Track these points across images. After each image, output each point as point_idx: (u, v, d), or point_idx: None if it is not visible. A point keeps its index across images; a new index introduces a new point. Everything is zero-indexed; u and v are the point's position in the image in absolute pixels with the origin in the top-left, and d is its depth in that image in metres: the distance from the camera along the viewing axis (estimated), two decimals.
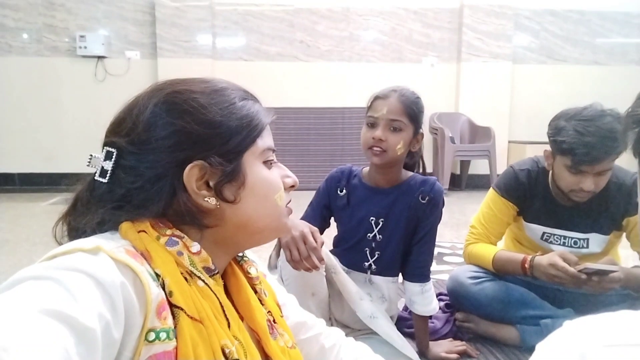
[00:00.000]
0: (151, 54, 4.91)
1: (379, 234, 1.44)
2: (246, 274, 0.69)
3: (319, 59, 5.10)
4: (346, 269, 1.48)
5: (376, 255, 1.46)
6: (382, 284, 1.48)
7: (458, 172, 5.06)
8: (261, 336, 0.65)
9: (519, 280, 1.63)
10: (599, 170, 1.41)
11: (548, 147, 1.55)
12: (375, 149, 1.35)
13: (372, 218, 1.44)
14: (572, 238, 1.61)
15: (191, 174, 0.58)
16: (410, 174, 1.47)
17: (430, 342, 1.51)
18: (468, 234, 1.71)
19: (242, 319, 0.64)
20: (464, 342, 1.56)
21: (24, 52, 4.84)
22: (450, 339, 1.60)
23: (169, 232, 0.58)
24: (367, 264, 1.47)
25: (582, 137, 1.39)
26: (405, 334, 1.57)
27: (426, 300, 1.45)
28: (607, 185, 1.47)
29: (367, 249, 1.46)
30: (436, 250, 2.71)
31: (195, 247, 0.58)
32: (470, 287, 1.62)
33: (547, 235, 1.64)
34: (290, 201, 0.70)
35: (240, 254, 0.71)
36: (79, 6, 4.83)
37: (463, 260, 2.53)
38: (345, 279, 1.39)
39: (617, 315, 0.38)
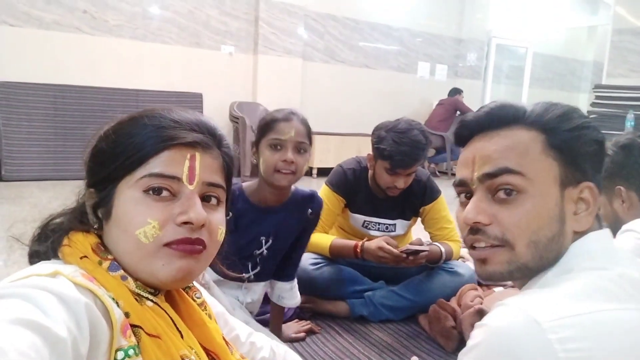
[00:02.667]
0: None
1: (266, 250, 1.50)
2: (193, 299, 0.73)
3: (107, 34, 4.64)
4: (221, 279, 1.47)
5: (257, 269, 1.52)
6: (255, 288, 1.57)
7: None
8: (220, 354, 0.69)
9: (350, 263, 1.94)
10: (409, 172, 1.80)
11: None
12: (284, 171, 1.35)
13: (262, 237, 1.48)
14: (384, 224, 1.99)
15: (87, 196, 0.64)
16: (292, 188, 1.50)
17: (283, 328, 1.68)
18: None
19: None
20: (308, 322, 1.79)
21: None
22: (296, 320, 1.81)
23: (110, 256, 0.60)
24: (246, 275, 1.51)
25: (398, 147, 1.75)
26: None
27: (293, 294, 1.63)
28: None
29: (249, 263, 1.50)
30: None
31: (130, 275, 0.60)
32: (312, 272, 1.86)
33: (366, 223, 1.99)
34: (186, 240, 0.60)
35: None
36: None
37: None
38: (218, 294, 1.39)
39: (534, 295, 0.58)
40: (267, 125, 1.39)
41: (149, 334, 0.56)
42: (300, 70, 5.50)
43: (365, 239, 1.83)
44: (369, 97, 6.07)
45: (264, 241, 1.49)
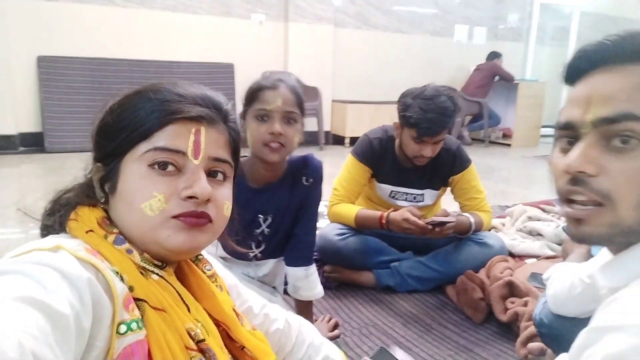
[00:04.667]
0: None
1: (267, 229, 1.41)
2: (203, 272, 0.73)
3: (140, 5, 4.66)
4: (229, 257, 1.43)
5: (262, 247, 1.44)
6: (266, 264, 1.49)
7: None
8: (230, 325, 0.70)
9: (373, 233, 1.92)
10: (436, 140, 1.74)
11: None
12: (272, 144, 1.24)
13: (260, 216, 1.39)
14: (412, 194, 1.95)
15: (94, 170, 0.64)
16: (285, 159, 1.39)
17: None
18: (331, 196, 1.92)
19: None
20: (330, 316, 1.62)
21: None
22: (321, 317, 1.61)
23: (115, 230, 0.60)
24: (252, 254, 1.44)
25: (425, 114, 1.68)
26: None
27: (311, 284, 1.43)
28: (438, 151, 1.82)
29: (253, 243, 1.42)
30: None
31: (137, 248, 0.60)
32: (338, 242, 1.86)
33: (393, 193, 1.95)
34: (192, 213, 0.60)
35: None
36: None
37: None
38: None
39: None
40: (253, 94, 1.27)
41: (153, 308, 0.57)
42: (332, 37, 5.38)
43: (391, 210, 1.80)
44: (403, 64, 5.89)
45: (262, 220, 1.39)
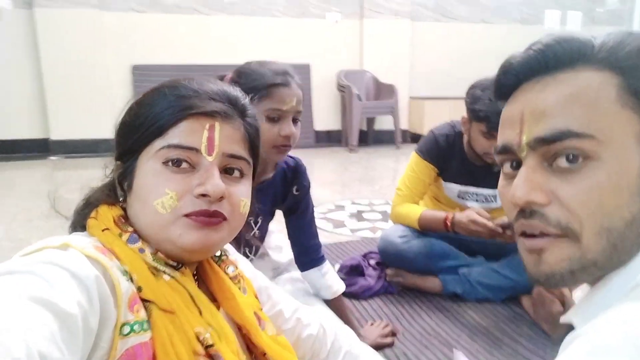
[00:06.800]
0: (25, 3, 4.31)
1: (258, 231, 1.36)
2: (225, 272, 0.70)
3: (221, 12, 4.86)
4: None
5: (254, 249, 1.42)
6: (260, 264, 1.46)
7: (365, 128, 5.25)
8: (250, 329, 0.67)
9: (439, 235, 1.80)
10: None
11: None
12: (283, 147, 1.17)
13: (250, 219, 1.29)
14: (483, 194, 1.80)
15: (115, 169, 0.64)
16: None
17: (362, 332, 1.43)
18: (395, 196, 1.83)
19: (217, 307, 0.66)
20: (387, 322, 1.55)
21: None
22: (377, 322, 1.55)
23: (130, 229, 0.60)
24: (249, 258, 1.38)
25: (495, 106, 1.53)
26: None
27: (329, 282, 1.39)
28: None
29: (247, 248, 1.37)
30: (355, 208, 2.91)
31: (150, 247, 0.59)
32: (400, 245, 1.76)
33: (462, 193, 1.81)
34: (204, 212, 0.58)
35: (218, 254, 0.71)
36: None
37: (381, 217, 2.72)
38: None
39: None
40: (263, 89, 1.14)
41: (162, 309, 0.55)
42: (409, 31, 5.22)
43: (456, 210, 1.67)
44: (486, 56, 5.53)
45: (253, 222, 1.32)
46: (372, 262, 1.87)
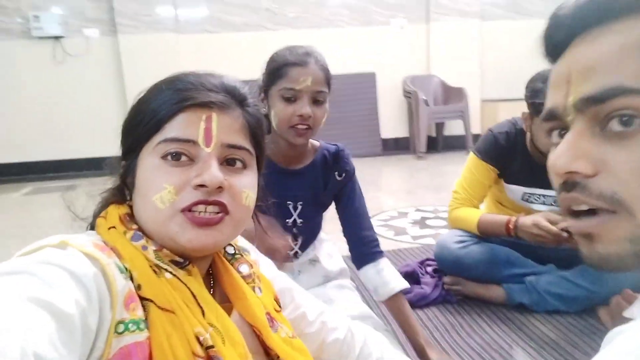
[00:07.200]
0: (111, 31, 4.70)
1: (299, 218, 1.30)
2: (238, 271, 0.68)
3: (287, 27, 4.98)
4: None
5: (299, 241, 1.35)
6: (310, 270, 1.40)
7: (434, 134, 5.09)
8: (261, 330, 0.65)
9: (502, 241, 1.67)
10: None
11: (523, 108, 1.57)
12: (300, 127, 1.15)
13: (289, 202, 1.29)
14: (551, 196, 1.65)
15: (121, 168, 0.64)
16: (316, 144, 1.31)
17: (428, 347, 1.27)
18: (451, 200, 1.73)
19: (228, 309, 0.64)
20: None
21: None
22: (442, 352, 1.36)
23: (134, 226, 0.59)
24: (291, 252, 1.34)
25: None
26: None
27: (385, 279, 1.25)
28: None
29: (289, 235, 1.31)
30: (419, 215, 2.81)
31: (154, 244, 0.58)
32: (458, 251, 1.66)
33: (527, 195, 1.67)
34: (201, 202, 0.57)
35: (232, 252, 0.70)
36: None
37: (446, 224, 2.60)
38: None
39: None
40: (278, 70, 1.15)
41: (161, 308, 0.54)
42: (478, 32, 5.00)
43: (521, 214, 1.54)
44: None
45: (292, 207, 1.29)
46: (429, 269, 1.78)
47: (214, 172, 0.57)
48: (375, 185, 3.74)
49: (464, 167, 1.73)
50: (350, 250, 1.34)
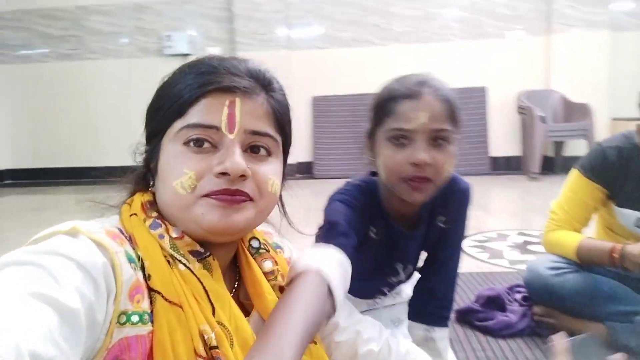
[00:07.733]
0: (231, 49, 5.08)
1: (404, 275, 1.18)
2: (260, 267, 0.66)
3: (395, 41, 4.95)
4: (351, 297, 1.15)
5: (394, 289, 1.26)
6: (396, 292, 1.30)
7: (552, 154, 4.66)
8: None
9: (608, 272, 1.45)
10: None
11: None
12: (415, 179, 0.90)
13: (399, 265, 1.13)
14: None
15: (144, 152, 0.64)
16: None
17: None
18: (548, 220, 1.55)
19: (244, 308, 0.62)
20: None
21: (119, 55, 5.25)
22: None
23: (154, 214, 0.58)
24: (381, 297, 1.24)
25: None
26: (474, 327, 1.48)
27: (431, 352, 1.00)
28: None
29: (386, 288, 1.21)
30: (521, 239, 2.57)
31: (176, 231, 0.57)
32: (551, 278, 1.48)
33: None
34: (225, 191, 0.55)
35: (257, 245, 0.67)
36: (165, 8, 5.13)
37: None
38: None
39: None
40: (384, 106, 0.93)
41: (168, 301, 0.52)
42: (608, 44, 4.49)
43: (629, 242, 1.33)
44: None
45: (401, 269, 1.13)
46: (519, 296, 1.61)
47: (237, 159, 0.55)
48: (477, 204, 3.51)
49: (564, 185, 1.54)
50: (413, 300, 1.17)
